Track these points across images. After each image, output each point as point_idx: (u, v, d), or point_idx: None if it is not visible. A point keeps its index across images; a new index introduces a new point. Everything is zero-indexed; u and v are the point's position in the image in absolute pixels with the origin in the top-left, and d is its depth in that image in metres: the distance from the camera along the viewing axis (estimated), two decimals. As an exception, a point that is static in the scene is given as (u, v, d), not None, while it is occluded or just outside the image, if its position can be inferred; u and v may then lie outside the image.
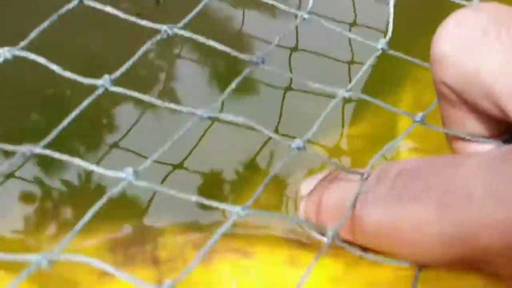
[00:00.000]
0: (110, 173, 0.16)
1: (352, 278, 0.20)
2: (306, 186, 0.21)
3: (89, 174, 0.22)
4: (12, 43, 0.18)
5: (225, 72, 0.25)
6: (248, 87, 0.25)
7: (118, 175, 0.16)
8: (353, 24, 0.27)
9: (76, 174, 0.22)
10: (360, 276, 0.20)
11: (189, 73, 0.26)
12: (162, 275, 0.19)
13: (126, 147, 0.23)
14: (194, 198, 0.16)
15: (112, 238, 0.20)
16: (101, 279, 0.19)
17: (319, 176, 0.21)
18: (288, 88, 0.25)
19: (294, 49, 0.26)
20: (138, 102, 0.23)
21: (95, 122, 0.24)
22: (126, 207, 0.21)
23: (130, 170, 0.16)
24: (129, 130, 0.23)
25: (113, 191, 0.15)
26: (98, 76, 0.18)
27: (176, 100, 0.18)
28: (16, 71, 0.24)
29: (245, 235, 0.21)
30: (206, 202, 0.16)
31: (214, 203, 0.16)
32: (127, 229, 0.21)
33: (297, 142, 0.17)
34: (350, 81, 0.25)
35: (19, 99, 0.24)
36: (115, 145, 0.23)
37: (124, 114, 0.24)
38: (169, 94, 0.25)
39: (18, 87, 0.24)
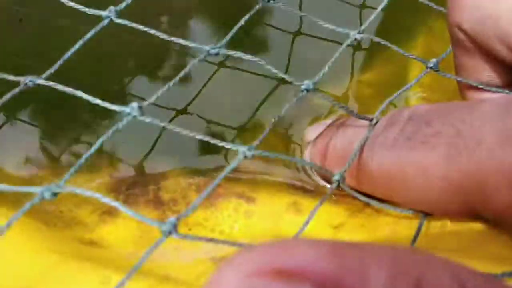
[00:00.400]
0: (115, 107, 0.15)
1: (354, 225, 0.19)
2: (312, 132, 0.21)
3: (93, 113, 0.22)
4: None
5: (233, 10, 0.24)
6: (256, 32, 0.25)
7: (123, 110, 0.15)
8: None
9: (81, 113, 0.22)
10: (362, 224, 0.19)
11: (195, 10, 0.25)
12: (165, 216, 0.19)
13: (130, 86, 0.22)
14: (200, 136, 0.15)
15: (115, 179, 0.20)
16: (103, 218, 0.19)
17: (325, 122, 0.21)
18: (298, 33, 0.24)
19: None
20: (142, 40, 0.23)
21: (99, 60, 0.23)
22: (130, 148, 0.21)
23: (135, 105, 0.15)
24: (133, 70, 0.23)
25: (117, 125, 0.15)
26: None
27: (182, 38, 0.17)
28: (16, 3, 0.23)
29: (248, 180, 0.20)
30: (212, 140, 0.15)
31: (220, 142, 0.15)
32: (130, 170, 0.20)
33: (306, 83, 0.17)
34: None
35: (21, 33, 0.23)
36: (118, 84, 0.23)
37: (128, 52, 0.23)
38: (175, 32, 0.24)
39: (19, 23, 0.23)
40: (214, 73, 0.23)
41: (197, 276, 0.16)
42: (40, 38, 0.23)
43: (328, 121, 0.21)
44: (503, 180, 0.15)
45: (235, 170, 0.20)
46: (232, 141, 0.22)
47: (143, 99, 0.21)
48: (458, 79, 0.19)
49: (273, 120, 0.16)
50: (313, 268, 0.09)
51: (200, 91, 0.23)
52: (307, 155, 0.20)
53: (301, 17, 0.24)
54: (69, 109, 0.22)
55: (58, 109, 0.22)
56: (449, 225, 0.18)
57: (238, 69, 0.23)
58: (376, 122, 0.18)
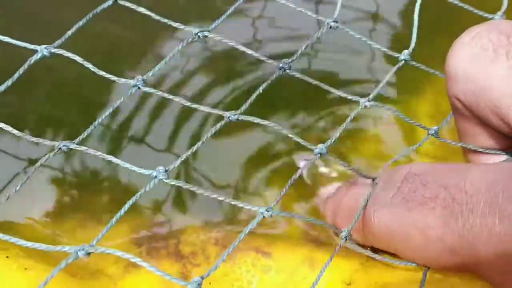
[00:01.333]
0: (143, 171, 0.16)
1: (367, 282, 0.20)
2: (325, 192, 0.22)
3: (112, 169, 0.23)
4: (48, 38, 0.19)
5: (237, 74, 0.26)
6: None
7: (150, 173, 0.16)
8: (375, 22, 0.28)
9: (99, 169, 0.23)
10: (375, 281, 0.20)
11: (200, 73, 0.26)
12: (186, 269, 0.20)
13: (144, 145, 0.24)
14: (221, 197, 0.16)
15: (138, 232, 0.21)
16: (128, 269, 0.20)
17: (336, 185, 0.22)
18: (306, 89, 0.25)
19: (314, 47, 0.26)
20: (156, 104, 0.24)
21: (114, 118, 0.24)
22: (150, 203, 0.22)
23: (161, 169, 0.16)
24: (147, 130, 0.24)
25: (145, 188, 0.16)
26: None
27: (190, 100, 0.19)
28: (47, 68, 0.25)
29: (264, 234, 0.21)
30: (233, 202, 0.16)
31: (239, 203, 0.16)
32: (151, 224, 0.21)
33: (320, 147, 0.18)
34: (369, 80, 0.25)
35: (51, 94, 0.25)
36: (135, 142, 0.24)
37: (142, 115, 0.24)
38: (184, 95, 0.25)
39: (49, 84, 0.25)
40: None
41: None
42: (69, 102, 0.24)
43: (339, 184, 0.22)
44: (494, 250, 0.16)
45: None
46: (246, 195, 0.23)
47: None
48: (458, 144, 0.20)
49: (289, 182, 0.17)
50: None
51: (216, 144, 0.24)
52: (322, 211, 0.21)
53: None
54: (91, 165, 0.23)
55: (78, 165, 0.23)
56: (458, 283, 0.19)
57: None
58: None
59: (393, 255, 0.19)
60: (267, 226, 0.22)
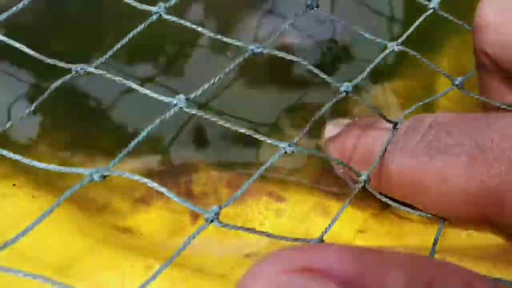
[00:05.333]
0: (163, 98, 0.16)
1: (380, 232, 0.20)
2: (331, 129, 0.21)
3: (125, 102, 0.22)
4: None
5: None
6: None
7: (171, 101, 0.16)
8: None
9: (111, 101, 0.22)
10: (388, 230, 0.20)
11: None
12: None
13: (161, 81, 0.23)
14: (243, 130, 0.16)
15: (148, 168, 0.21)
16: (136, 206, 0.19)
17: (343, 121, 0.21)
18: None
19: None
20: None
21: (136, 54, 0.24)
22: (163, 140, 0.21)
23: (182, 96, 0.16)
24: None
25: (165, 116, 0.15)
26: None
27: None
28: None
29: (278, 179, 0.21)
30: (254, 135, 0.16)
31: (261, 137, 0.16)
32: (163, 161, 0.21)
33: (346, 85, 0.17)
34: (390, 32, 0.25)
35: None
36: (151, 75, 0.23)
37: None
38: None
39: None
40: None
41: (231, 268, 0.17)
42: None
43: (345, 120, 0.21)
44: None
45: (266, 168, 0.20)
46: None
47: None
48: (481, 99, 0.20)
49: (312, 118, 0.17)
50: (338, 269, 0.10)
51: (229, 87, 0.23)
52: (328, 152, 0.21)
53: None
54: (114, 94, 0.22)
55: (99, 94, 0.22)
56: (475, 235, 0.19)
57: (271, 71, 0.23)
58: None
59: (408, 206, 0.19)
60: (278, 171, 0.21)
